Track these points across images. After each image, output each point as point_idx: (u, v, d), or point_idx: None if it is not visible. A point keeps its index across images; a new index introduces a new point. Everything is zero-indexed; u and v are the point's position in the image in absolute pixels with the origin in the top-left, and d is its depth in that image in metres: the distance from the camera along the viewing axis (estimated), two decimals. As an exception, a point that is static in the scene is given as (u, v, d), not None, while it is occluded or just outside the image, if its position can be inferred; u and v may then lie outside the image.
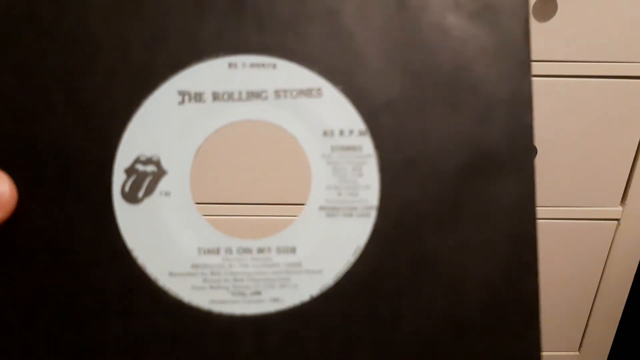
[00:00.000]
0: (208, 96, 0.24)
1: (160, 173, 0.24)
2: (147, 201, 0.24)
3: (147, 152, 0.24)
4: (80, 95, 0.24)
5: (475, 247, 0.24)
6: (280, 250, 0.24)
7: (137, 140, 0.24)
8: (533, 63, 0.76)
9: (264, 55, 0.24)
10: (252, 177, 0.66)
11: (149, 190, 0.24)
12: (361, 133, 0.24)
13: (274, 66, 0.24)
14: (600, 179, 0.83)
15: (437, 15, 0.24)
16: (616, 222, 0.86)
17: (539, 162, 0.81)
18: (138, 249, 0.24)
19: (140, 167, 0.24)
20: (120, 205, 0.24)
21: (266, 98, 0.24)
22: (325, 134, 0.24)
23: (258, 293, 0.24)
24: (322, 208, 0.25)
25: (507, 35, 0.24)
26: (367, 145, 0.24)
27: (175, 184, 0.24)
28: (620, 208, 0.85)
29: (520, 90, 0.24)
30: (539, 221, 0.85)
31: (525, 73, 0.24)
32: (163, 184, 0.24)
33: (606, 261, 0.88)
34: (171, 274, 0.24)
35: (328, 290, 0.24)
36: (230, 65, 0.24)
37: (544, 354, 0.95)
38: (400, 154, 0.24)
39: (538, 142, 0.80)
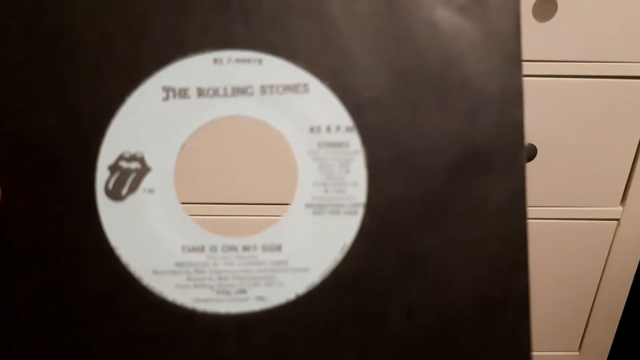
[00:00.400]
0: (193, 92, 0.24)
1: (144, 170, 0.24)
2: (131, 198, 0.24)
3: (131, 149, 0.24)
4: (64, 93, 0.23)
5: (464, 245, 0.24)
6: (266, 248, 0.24)
7: (121, 137, 0.24)
8: (533, 63, 0.75)
9: (250, 50, 0.24)
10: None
11: (133, 188, 0.24)
12: (348, 129, 0.24)
13: (260, 61, 0.24)
14: (600, 179, 0.83)
15: (427, 10, 0.24)
16: (616, 222, 0.85)
17: (539, 162, 0.80)
18: (121, 246, 0.24)
19: (124, 164, 0.24)
20: (103, 203, 0.24)
21: (252, 94, 0.24)
22: (311, 130, 0.24)
23: (243, 291, 0.24)
24: (308, 205, 0.24)
25: (497, 30, 0.24)
26: (354, 141, 0.24)
27: (159, 180, 0.24)
28: (620, 208, 0.84)
29: (510, 85, 0.24)
30: (538, 221, 0.84)
31: (515, 68, 0.24)
32: (147, 181, 0.24)
33: (606, 261, 0.88)
34: (155, 272, 0.24)
35: (314, 289, 0.24)
36: (215, 60, 0.24)
37: (543, 354, 0.94)
38: (388, 150, 0.24)
39: (538, 142, 0.79)
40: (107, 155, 0.24)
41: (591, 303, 0.91)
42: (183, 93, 0.24)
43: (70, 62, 0.23)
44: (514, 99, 0.24)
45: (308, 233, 0.24)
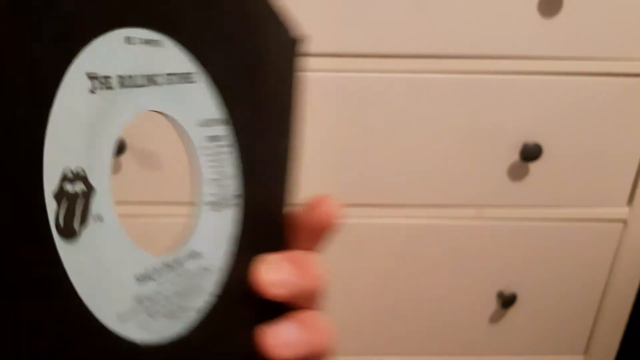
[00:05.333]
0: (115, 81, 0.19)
1: (89, 191, 0.18)
2: (84, 234, 0.18)
3: (72, 165, 0.18)
4: None
5: None
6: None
7: (59, 151, 0.18)
8: (538, 61, 0.72)
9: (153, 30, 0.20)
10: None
11: (83, 218, 0.18)
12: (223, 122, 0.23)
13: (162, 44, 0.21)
14: (606, 179, 0.79)
15: None
16: (623, 223, 0.81)
17: (544, 161, 0.76)
18: (86, 294, 0.19)
19: (68, 187, 0.18)
20: (61, 246, 0.18)
21: (162, 84, 0.21)
22: (200, 123, 0.22)
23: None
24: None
25: None
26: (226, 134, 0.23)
27: (105, 203, 0.19)
28: (627, 209, 0.81)
29: None
30: (544, 223, 0.81)
31: None
32: (95, 206, 0.19)
33: (613, 263, 0.84)
34: (119, 316, 0.19)
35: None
36: (126, 39, 0.20)
37: (549, 357, 0.90)
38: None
39: (543, 140, 0.76)
40: (49, 179, 0.17)
41: (597, 305, 0.87)
42: (105, 82, 0.19)
43: None
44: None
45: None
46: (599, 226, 0.82)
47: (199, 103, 0.22)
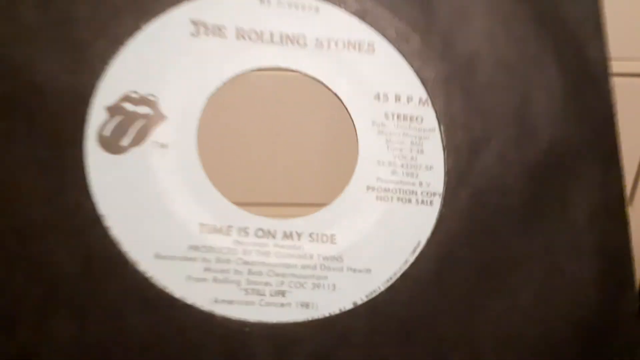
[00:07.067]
0: (230, 31, 0.17)
1: (156, 117, 0.17)
2: (134, 152, 0.17)
3: (142, 89, 0.17)
4: (55, 6, 0.16)
5: (558, 252, 0.18)
6: (315, 238, 0.17)
7: (129, 73, 0.17)
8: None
9: None
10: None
11: (139, 139, 0.17)
12: (422, 102, 0.17)
13: (317, 9, 0.17)
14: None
15: None
16: (621, 223, 0.80)
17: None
18: (113, 216, 0.16)
19: (129, 106, 0.17)
20: (94, 153, 0.16)
21: (304, 45, 0.17)
22: (377, 97, 0.18)
23: (281, 294, 0.17)
24: (371, 188, 0.17)
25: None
26: (429, 117, 0.18)
27: (176, 134, 0.17)
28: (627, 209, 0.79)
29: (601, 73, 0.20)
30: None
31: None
32: (159, 133, 0.17)
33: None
34: (158, 256, 0.16)
35: (377, 297, 0.17)
36: (262, 0, 0.17)
37: None
38: (469, 133, 0.17)
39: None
40: (107, 92, 0.17)
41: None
42: (217, 31, 0.17)
43: None
44: (606, 87, 0.21)
45: (370, 223, 0.17)
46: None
47: (371, 75, 0.18)
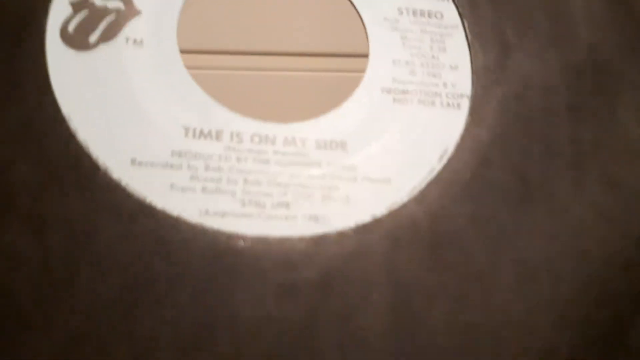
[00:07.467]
0: None
1: (128, 12, 0.14)
2: (103, 48, 0.14)
3: None
4: None
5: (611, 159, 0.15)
6: (322, 145, 0.14)
7: None
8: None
9: None
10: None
11: (108, 35, 0.14)
12: None
13: None
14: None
15: None
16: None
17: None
18: (80, 117, 0.13)
19: (97, 0, 0.14)
20: (56, 50, 0.14)
21: None
22: None
23: (285, 205, 0.14)
24: (386, 90, 0.15)
25: None
26: (449, 12, 0.16)
27: (152, 29, 0.14)
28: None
29: None
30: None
31: None
32: (132, 28, 0.14)
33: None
34: (135, 162, 0.13)
35: (398, 211, 0.14)
36: None
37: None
38: (498, 28, 0.16)
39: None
40: None
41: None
42: None
43: None
44: None
45: (387, 128, 0.15)
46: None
47: None
